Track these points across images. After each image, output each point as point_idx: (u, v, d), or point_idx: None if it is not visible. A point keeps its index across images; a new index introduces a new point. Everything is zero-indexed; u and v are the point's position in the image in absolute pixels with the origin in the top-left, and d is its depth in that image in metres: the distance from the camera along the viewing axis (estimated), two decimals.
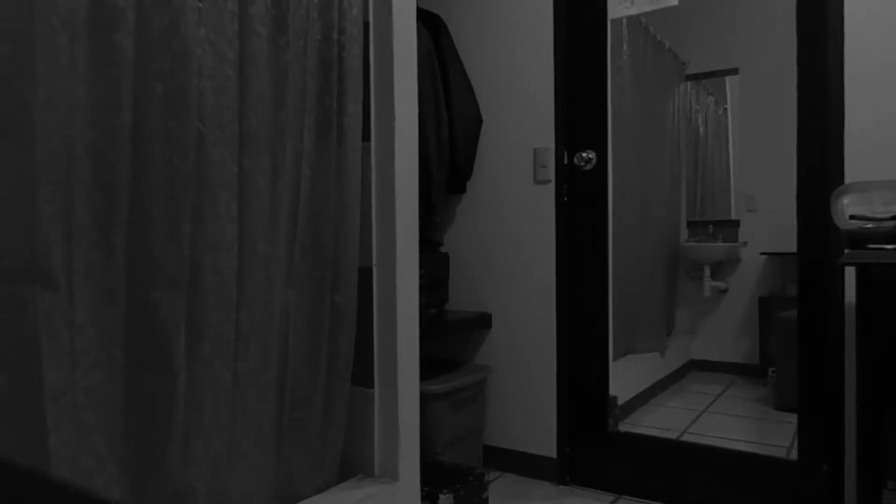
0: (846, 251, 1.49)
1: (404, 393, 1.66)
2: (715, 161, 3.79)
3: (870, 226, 1.51)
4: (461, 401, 2.12)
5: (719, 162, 3.77)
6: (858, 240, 1.50)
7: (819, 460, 1.78)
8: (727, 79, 3.67)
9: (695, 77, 3.71)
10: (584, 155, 2.16)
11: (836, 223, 1.60)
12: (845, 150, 1.73)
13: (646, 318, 3.21)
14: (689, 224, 3.77)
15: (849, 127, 1.73)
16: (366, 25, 1.65)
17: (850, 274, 1.67)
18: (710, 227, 3.76)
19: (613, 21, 2.24)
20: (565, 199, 2.20)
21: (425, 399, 1.81)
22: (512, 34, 2.27)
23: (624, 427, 2.37)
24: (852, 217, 1.56)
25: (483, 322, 2.29)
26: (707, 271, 3.66)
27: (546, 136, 2.20)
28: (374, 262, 1.66)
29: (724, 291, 3.68)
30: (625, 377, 2.46)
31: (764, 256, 3.55)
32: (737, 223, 3.67)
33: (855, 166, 1.71)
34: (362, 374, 1.65)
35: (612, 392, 2.20)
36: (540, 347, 2.21)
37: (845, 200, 1.59)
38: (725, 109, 3.72)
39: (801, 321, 1.83)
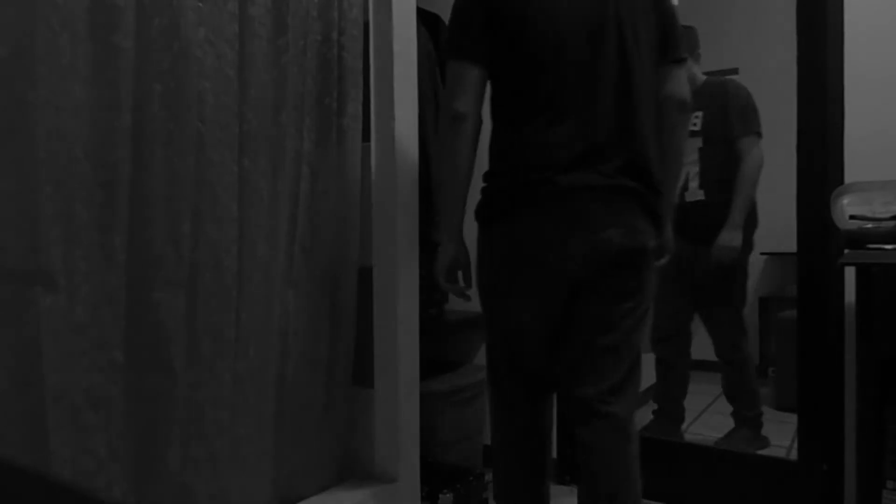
0: (846, 251, 1.49)
1: (404, 393, 1.66)
2: None
3: (870, 226, 1.51)
4: (461, 401, 2.12)
5: None
6: (858, 240, 1.50)
7: (819, 460, 1.78)
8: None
9: None
10: None
11: (836, 223, 1.60)
12: (845, 150, 1.73)
13: None
14: None
15: (848, 127, 1.73)
16: (366, 25, 1.65)
17: (849, 274, 1.67)
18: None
19: None
20: None
21: (425, 399, 1.81)
22: None
23: None
24: (852, 217, 1.56)
25: (483, 322, 2.29)
26: None
27: None
28: (374, 262, 1.66)
29: None
30: None
31: (763, 257, 3.54)
32: None
33: (855, 166, 1.71)
34: (362, 374, 1.65)
35: None
36: None
37: (845, 200, 1.59)
38: None
39: (801, 321, 1.83)
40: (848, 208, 1.57)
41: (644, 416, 2.44)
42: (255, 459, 1.38)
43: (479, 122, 1.36)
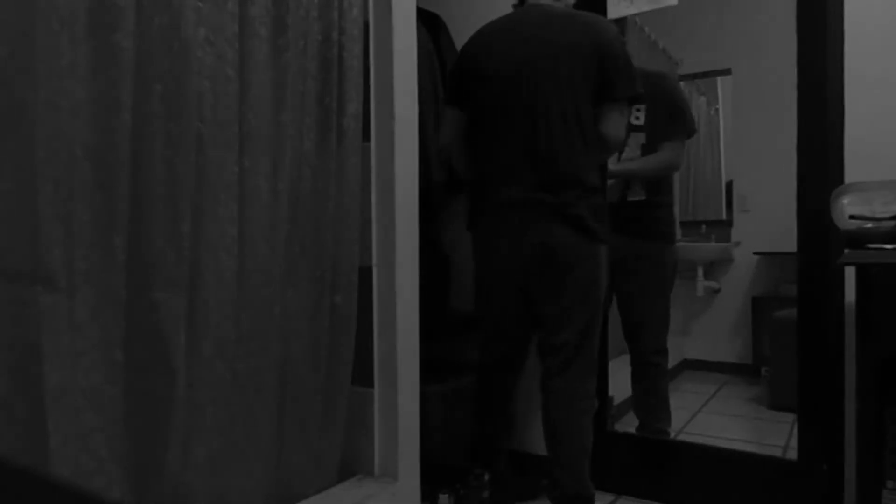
0: (846, 251, 1.49)
1: (404, 393, 1.66)
2: (707, 161, 3.79)
3: (870, 226, 1.51)
4: (461, 401, 2.12)
5: (711, 162, 3.77)
6: (858, 239, 1.50)
7: (819, 460, 1.78)
8: (718, 79, 3.67)
9: (688, 77, 3.71)
10: None
11: (836, 223, 1.60)
12: (845, 150, 1.73)
13: None
14: (682, 224, 3.78)
15: (848, 127, 1.73)
16: (366, 25, 1.65)
17: (849, 274, 1.67)
18: (703, 226, 3.77)
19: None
20: None
21: (425, 399, 1.81)
22: None
23: (620, 427, 2.37)
24: (852, 217, 1.56)
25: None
26: (700, 271, 3.68)
27: None
28: (374, 262, 1.66)
29: (717, 291, 3.69)
30: (619, 377, 2.46)
31: (757, 256, 3.55)
32: (729, 223, 3.67)
33: (855, 166, 1.71)
34: (362, 374, 1.65)
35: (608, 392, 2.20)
36: None
37: (845, 200, 1.59)
38: (717, 110, 3.72)
39: (801, 321, 1.83)
40: (848, 208, 1.57)
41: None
42: (255, 459, 1.38)
43: (460, 145, 1.86)
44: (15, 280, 1.02)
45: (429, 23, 2.25)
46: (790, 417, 2.80)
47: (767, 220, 3.46)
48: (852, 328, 1.66)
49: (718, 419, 2.96)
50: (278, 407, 1.45)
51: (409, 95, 1.70)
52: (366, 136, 1.65)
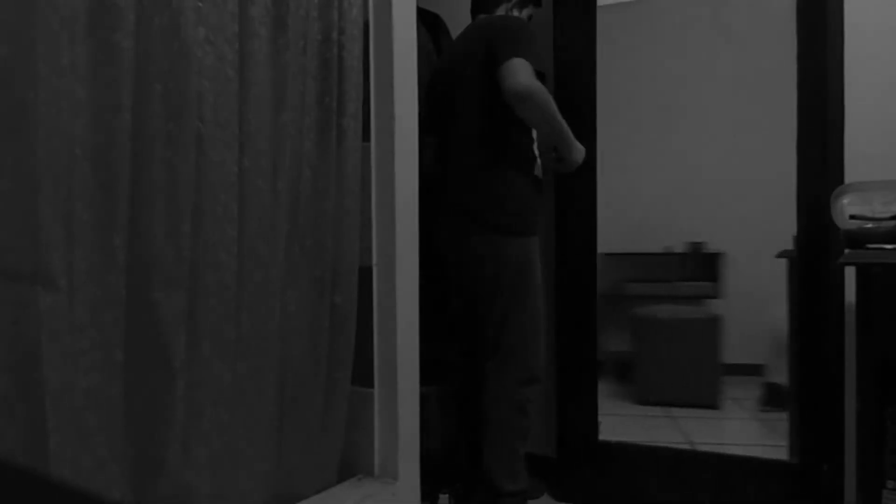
0: (846, 251, 1.49)
1: (404, 393, 1.66)
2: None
3: (870, 226, 1.51)
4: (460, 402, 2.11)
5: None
6: (858, 239, 1.50)
7: (819, 460, 1.78)
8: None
9: None
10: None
11: (836, 223, 1.60)
12: (845, 150, 1.73)
13: None
14: None
15: (848, 127, 1.73)
16: (366, 25, 1.65)
17: (850, 274, 1.67)
18: None
19: None
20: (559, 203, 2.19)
21: (425, 399, 1.81)
22: None
23: None
24: (852, 217, 1.56)
25: None
26: None
27: None
28: (374, 262, 1.66)
29: None
30: None
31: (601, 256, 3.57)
32: None
33: (855, 166, 1.71)
34: (362, 374, 1.65)
35: None
36: None
37: (845, 200, 1.59)
38: None
39: (802, 321, 1.83)
40: (848, 208, 1.57)
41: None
42: (255, 459, 1.38)
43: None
44: (15, 280, 1.02)
45: (429, 23, 2.24)
46: (658, 411, 2.94)
47: (606, 222, 3.46)
48: (852, 328, 1.66)
49: (604, 419, 2.95)
50: (278, 407, 1.45)
51: (409, 95, 1.70)
52: (366, 136, 1.65)
